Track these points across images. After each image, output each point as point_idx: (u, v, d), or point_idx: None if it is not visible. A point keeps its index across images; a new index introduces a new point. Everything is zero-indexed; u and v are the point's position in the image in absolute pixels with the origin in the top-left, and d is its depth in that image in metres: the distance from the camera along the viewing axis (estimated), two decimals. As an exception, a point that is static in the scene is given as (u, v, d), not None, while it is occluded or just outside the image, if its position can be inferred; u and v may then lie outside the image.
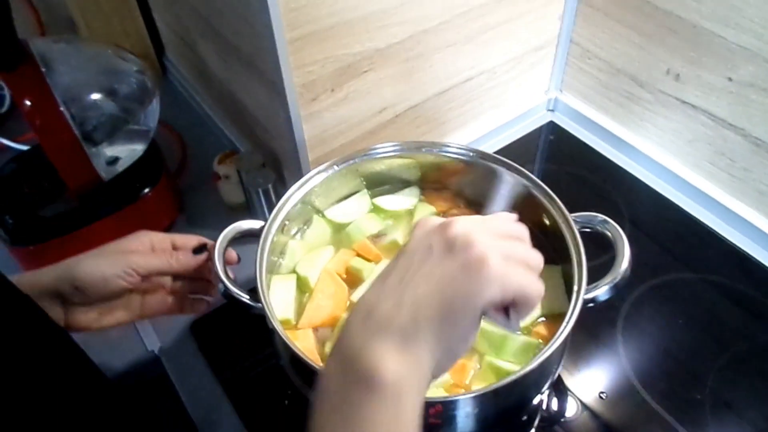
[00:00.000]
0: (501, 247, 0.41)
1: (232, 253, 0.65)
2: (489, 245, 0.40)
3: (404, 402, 0.38)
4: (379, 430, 0.37)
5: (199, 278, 0.66)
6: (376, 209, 0.78)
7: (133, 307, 0.63)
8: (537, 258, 0.43)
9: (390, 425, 0.37)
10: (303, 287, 0.71)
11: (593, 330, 0.78)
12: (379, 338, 0.39)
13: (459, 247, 0.40)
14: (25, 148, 1.01)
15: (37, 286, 0.57)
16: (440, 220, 0.44)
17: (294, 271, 0.72)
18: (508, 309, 0.42)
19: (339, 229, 0.77)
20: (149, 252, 0.61)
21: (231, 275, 0.63)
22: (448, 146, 0.74)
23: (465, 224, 0.42)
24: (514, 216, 0.47)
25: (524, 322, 0.65)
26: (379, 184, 0.79)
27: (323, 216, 0.77)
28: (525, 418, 0.71)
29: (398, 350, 0.38)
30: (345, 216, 0.77)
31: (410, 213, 0.78)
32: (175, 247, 0.62)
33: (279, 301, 0.67)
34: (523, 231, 0.45)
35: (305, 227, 0.76)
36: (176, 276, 0.65)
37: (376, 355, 0.38)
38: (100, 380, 0.52)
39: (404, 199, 0.79)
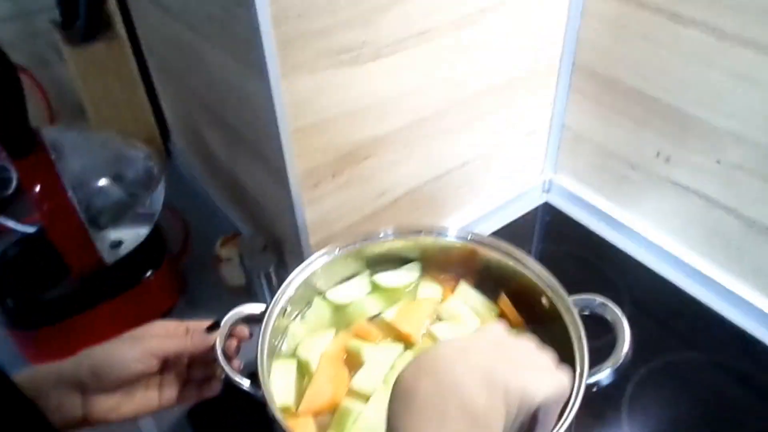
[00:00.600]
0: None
1: (244, 330, 0.65)
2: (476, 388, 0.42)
3: None
4: None
5: (214, 360, 0.65)
6: (375, 288, 0.79)
7: (152, 395, 0.63)
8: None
9: None
10: (304, 371, 0.70)
11: (598, 413, 0.77)
12: (477, 375, 0.41)
13: (540, 351, 0.47)
14: (30, 230, 1.02)
15: (55, 375, 0.57)
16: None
17: (294, 355, 0.71)
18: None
19: (339, 310, 0.77)
20: (165, 336, 0.61)
21: (238, 363, 0.63)
22: (446, 230, 0.75)
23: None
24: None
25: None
26: (381, 264, 0.80)
27: (324, 297, 0.77)
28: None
29: (489, 394, 0.41)
30: (345, 297, 0.77)
31: (412, 289, 0.79)
32: (188, 332, 0.63)
33: (279, 386, 0.66)
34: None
35: (306, 308, 0.76)
36: (191, 363, 0.65)
37: (475, 389, 0.41)
38: None
39: (404, 275, 0.79)
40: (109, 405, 0.59)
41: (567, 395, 0.46)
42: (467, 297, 0.76)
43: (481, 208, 1.05)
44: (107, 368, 0.57)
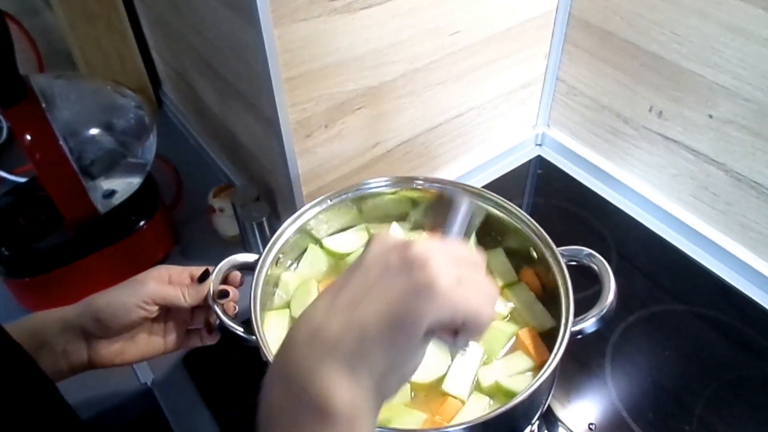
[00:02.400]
0: (456, 271, 0.41)
1: (236, 276, 0.66)
2: (444, 268, 0.40)
3: (357, 428, 0.38)
4: None
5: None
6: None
7: (155, 340, 0.64)
8: (491, 287, 0.44)
9: None
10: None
11: (582, 361, 0.79)
12: (328, 362, 0.38)
13: (416, 266, 0.40)
14: (21, 180, 1.02)
15: (60, 321, 0.58)
16: (399, 238, 0.44)
17: (288, 306, 0.73)
18: (456, 331, 0.42)
19: (335, 259, 0.78)
20: (166, 283, 0.62)
21: (234, 307, 0.65)
22: (439, 181, 0.76)
23: (425, 246, 0.41)
24: (473, 245, 0.48)
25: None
26: (377, 217, 0.81)
27: (321, 245, 0.78)
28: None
29: (348, 375, 0.38)
30: (342, 246, 0.78)
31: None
32: (192, 279, 0.63)
33: (273, 337, 0.68)
34: (479, 260, 0.45)
35: (300, 258, 0.77)
36: (193, 309, 0.66)
37: (326, 382, 0.37)
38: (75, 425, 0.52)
39: (395, 228, 0.80)
40: (114, 350, 0.61)
41: (461, 304, 0.40)
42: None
43: (474, 161, 1.05)
44: (109, 315, 0.58)
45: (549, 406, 0.73)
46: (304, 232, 0.74)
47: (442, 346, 0.44)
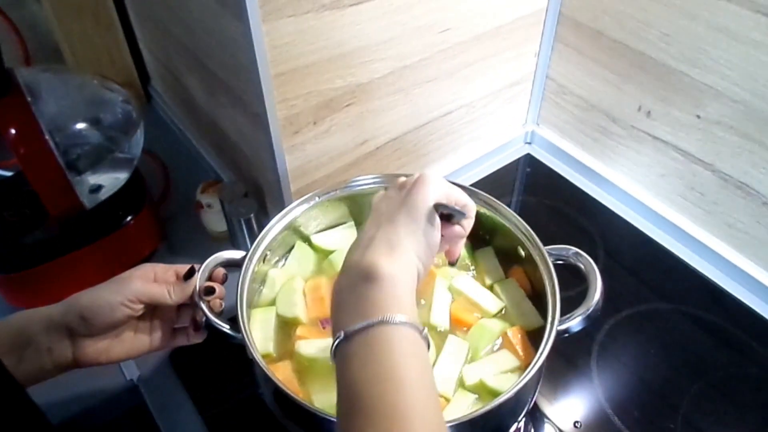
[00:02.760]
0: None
1: (219, 272, 0.66)
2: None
3: (399, 287, 0.49)
4: (381, 306, 0.47)
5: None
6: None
7: (141, 339, 0.63)
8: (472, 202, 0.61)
9: (389, 304, 0.48)
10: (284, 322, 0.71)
11: (569, 358, 0.80)
12: (372, 249, 0.52)
13: (410, 179, 0.58)
14: (7, 174, 1.01)
15: (45, 320, 0.57)
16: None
17: (273, 303, 0.72)
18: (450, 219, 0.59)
19: (322, 256, 0.78)
20: (151, 281, 0.62)
21: (221, 304, 0.64)
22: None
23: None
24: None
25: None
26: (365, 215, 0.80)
27: (310, 243, 0.78)
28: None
29: (388, 253, 0.51)
30: (331, 243, 0.78)
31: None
32: (178, 277, 0.63)
33: (259, 334, 0.68)
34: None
35: (287, 255, 0.77)
36: (179, 308, 0.66)
37: (372, 258, 0.50)
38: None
39: None
40: (99, 348, 0.60)
41: (432, 181, 0.56)
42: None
43: (463, 158, 1.06)
44: (94, 313, 0.58)
45: (535, 403, 0.73)
46: (292, 228, 0.74)
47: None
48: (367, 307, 0.48)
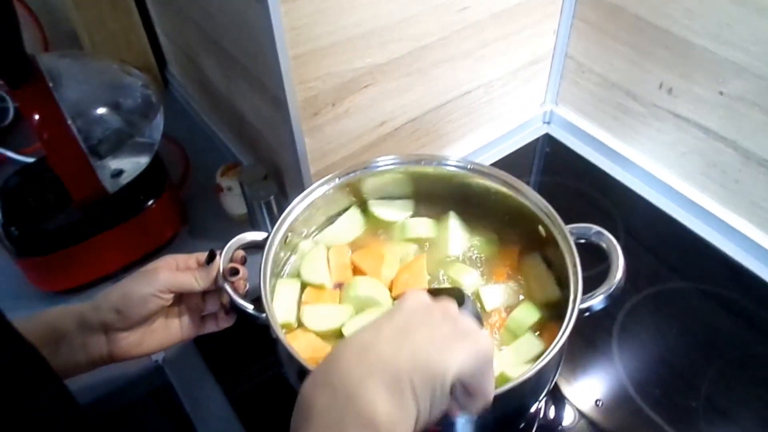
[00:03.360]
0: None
1: (239, 253, 0.66)
2: (484, 334, 0.46)
3: None
4: None
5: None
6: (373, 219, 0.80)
7: (172, 328, 0.64)
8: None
9: None
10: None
11: (590, 338, 0.80)
12: (377, 377, 0.41)
13: (458, 320, 0.46)
14: (29, 160, 1.02)
15: (78, 317, 0.58)
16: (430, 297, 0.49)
17: (298, 276, 0.73)
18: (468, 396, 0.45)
19: (374, 225, 0.79)
20: (175, 271, 0.62)
21: (245, 285, 0.65)
22: (446, 159, 0.75)
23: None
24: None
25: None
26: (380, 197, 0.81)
27: (365, 210, 0.80)
28: (522, 425, 0.73)
29: (394, 392, 0.40)
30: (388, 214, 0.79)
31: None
32: (199, 263, 0.63)
33: (282, 305, 0.69)
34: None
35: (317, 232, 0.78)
36: (204, 295, 0.66)
37: (373, 394, 0.40)
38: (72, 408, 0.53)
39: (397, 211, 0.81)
40: (132, 341, 0.61)
41: (487, 355, 0.44)
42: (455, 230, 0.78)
43: (482, 139, 1.05)
44: (127, 306, 0.59)
45: (556, 383, 0.74)
46: (309, 212, 0.74)
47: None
48: None
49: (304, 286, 0.72)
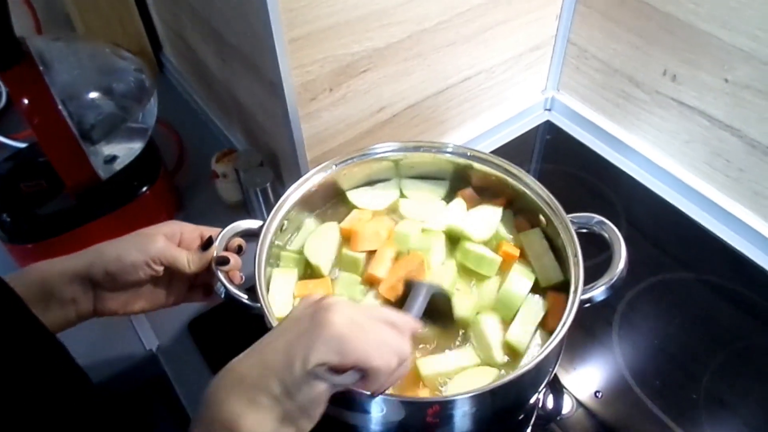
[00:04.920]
0: (361, 320, 0.48)
1: (235, 241, 0.65)
2: (345, 314, 0.47)
3: None
4: None
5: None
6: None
7: (159, 294, 0.64)
8: (401, 344, 0.50)
9: None
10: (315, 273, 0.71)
11: (590, 328, 0.79)
12: (235, 394, 0.45)
13: (320, 310, 0.47)
14: (22, 145, 1.01)
15: (70, 271, 0.58)
16: (323, 295, 0.52)
17: (296, 262, 0.72)
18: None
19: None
20: (176, 244, 0.62)
21: (241, 277, 0.64)
22: (446, 146, 0.74)
23: (338, 298, 0.49)
24: (413, 321, 0.54)
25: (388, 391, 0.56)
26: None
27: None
28: (522, 416, 0.72)
29: (252, 404, 0.44)
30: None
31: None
32: (202, 240, 0.63)
33: (278, 296, 0.68)
34: (404, 322, 0.52)
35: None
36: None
37: (233, 410, 0.44)
38: (86, 386, 0.52)
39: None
40: (119, 302, 0.61)
41: (336, 335, 0.46)
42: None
43: (482, 126, 1.03)
44: (119, 271, 0.58)
45: (555, 374, 0.73)
46: (304, 200, 0.73)
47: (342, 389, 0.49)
48: None
49: (300, 275, 0.71)
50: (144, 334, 0.79)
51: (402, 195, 0.78)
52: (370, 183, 0.78)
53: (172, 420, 0.81)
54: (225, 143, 1.04)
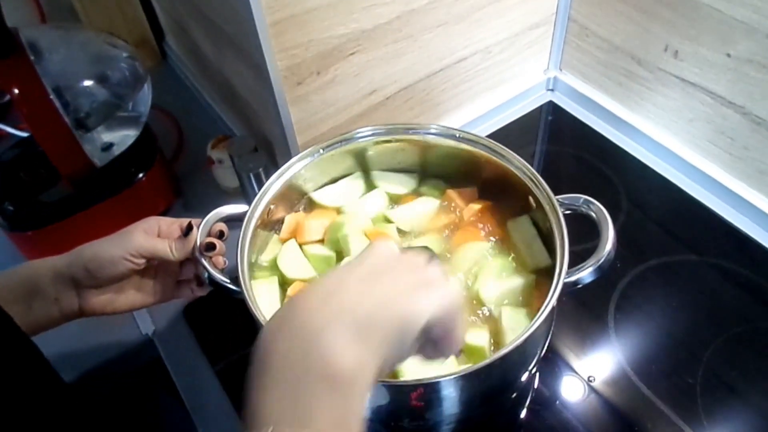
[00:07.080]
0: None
1: (217, 226, 0.64)
2: (444, 275, 0.44)
3: (354, 395, 0.38)
4: (326, 417, 0.36)
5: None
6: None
7: (145, 291, 0.64)
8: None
9: (337, 415, 0.37)
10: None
11: (588, 310, 0.77)
12: (340, 325, 0.38)
13: (422, 268, 0.44)
14: (22, 134, 1.02)
15: (52, 271, 0.59)
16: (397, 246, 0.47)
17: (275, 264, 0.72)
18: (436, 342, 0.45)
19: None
20: (154, 236, 0.62)
21: (224, 261, 0.64)
22: (433, 128, 0.73)
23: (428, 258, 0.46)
24: None
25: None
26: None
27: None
28: (513, 400, 0.71)
29: (357, 341, 0.38)
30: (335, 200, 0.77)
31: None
32: (182, 231, 0.62)
33: (266, 303, 0.66)
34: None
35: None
36: (182, 262, 0.66)
37: (335, 343, 0.38)
38: (56, 385, 0.53)
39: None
40: (104, 299, 0.61)
41: (455, 303, 0.44)
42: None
43: (481, 108, 1.02)
44: (97, 266, 0.59)
45: (550, 356, 0.72)
46: (292, 185, 0.72)
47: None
48: (316, 415, 0.36)
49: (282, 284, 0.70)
50: (140, 319, 0.80)
51: (368, 189, 0.78)
52: (333, 181, 0.78)
53: (168, 405, 0.82)
54: (224, 129, 1.04)
